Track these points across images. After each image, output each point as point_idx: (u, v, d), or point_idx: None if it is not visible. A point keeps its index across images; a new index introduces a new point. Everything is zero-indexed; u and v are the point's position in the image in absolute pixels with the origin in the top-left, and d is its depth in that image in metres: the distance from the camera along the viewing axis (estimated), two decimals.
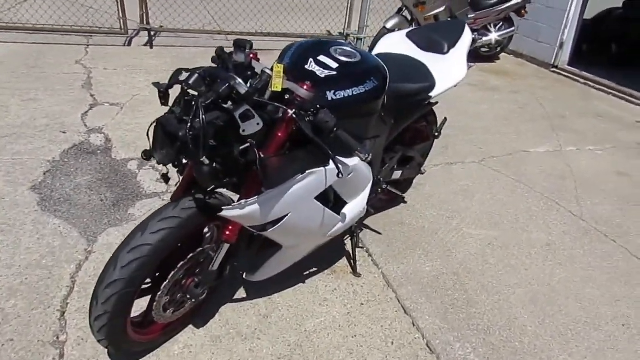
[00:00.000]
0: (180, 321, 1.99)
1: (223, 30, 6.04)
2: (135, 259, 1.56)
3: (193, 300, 1.87)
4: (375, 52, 2.62)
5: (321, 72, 1.83)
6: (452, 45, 2.57)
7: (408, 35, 2.66)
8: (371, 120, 1.99)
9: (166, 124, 1.48)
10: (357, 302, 2.32)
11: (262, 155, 1.52)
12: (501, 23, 6.11)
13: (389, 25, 5.64)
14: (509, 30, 6.12)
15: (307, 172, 1.69)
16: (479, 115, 4.75)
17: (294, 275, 2.39)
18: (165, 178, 1.67)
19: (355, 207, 2.14)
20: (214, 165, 1.53)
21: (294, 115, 1.61)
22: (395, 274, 2.52)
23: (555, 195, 3.42)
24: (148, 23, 5.66)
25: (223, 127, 1.52)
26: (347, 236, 2.66)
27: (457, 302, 2.38)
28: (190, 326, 2.07)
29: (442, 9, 5.68)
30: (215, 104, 1.54)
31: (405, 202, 3.16)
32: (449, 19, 3.26)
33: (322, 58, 1.88)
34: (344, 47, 1.99)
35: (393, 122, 2.32)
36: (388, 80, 2.02)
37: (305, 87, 1.65)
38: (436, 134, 2.72)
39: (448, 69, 2.50)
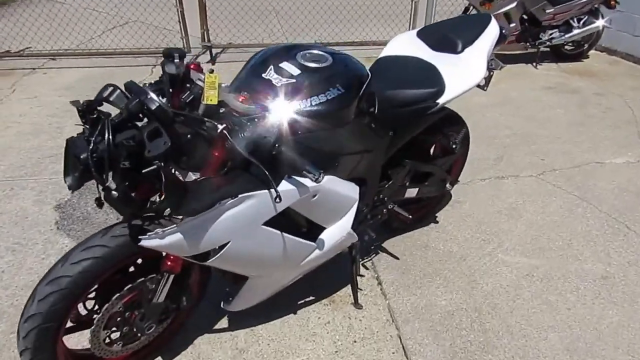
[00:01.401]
0: (147, 351, 1.85)
1: (282, 43, 5.99)
2: (52, 291, 1.45)
3: (147, 334, 1.72)
4: (382, 54, 2.34)
5: (278, 81, 1.62)
6: (469, 43, 2.21)
7: (419, 33, 2.35)
8: (342, 132, 1.72)
9: (72, 146, 1.35)
10: (350, 339, 2.04)
11: (169, 179, 1.34)
12: (586, 17, 5.41)
13: None
14: (593, 25, 5.39)
15: (239, 196, 1.47)
16: (548, 121, 4.19)
17: (286, 304, 2.18)
18: (99, 202, 1.55)
19: (335, 232, 1.88)
20: (126, 189, 1.37)
21: (224, 131, 1.41)
22: (404, 307, 2.20)
23: (625, 217, 2.85)
24: (209, 40, 5.77)
25: (136, 148, 1.36)
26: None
27: (470, 346, 2.01)
28: (159, 358, 1.93)
29: (512, 5, 5.15)
30: (129, 122, 1.38)
31: (436, 222, 2.80)
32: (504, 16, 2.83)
33: (284, 65, 1.67)
34: (316, 52, 1.76)
35: (392, 133, 2.03)
36: (363, 87, 1.75)
37: (241, 98, 1.44)
38: (454, 146, 2.36)
39: (461, 70, 2.16)
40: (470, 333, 2.07)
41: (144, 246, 1.44)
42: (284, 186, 1.58)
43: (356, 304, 2.20)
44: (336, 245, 1.90)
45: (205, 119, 1.43)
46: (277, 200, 1.43)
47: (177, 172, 1.50)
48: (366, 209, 2.13)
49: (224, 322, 2.10)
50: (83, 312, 1.64)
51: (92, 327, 1.58)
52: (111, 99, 1.42)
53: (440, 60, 2.19)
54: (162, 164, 1.32)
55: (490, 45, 2.23)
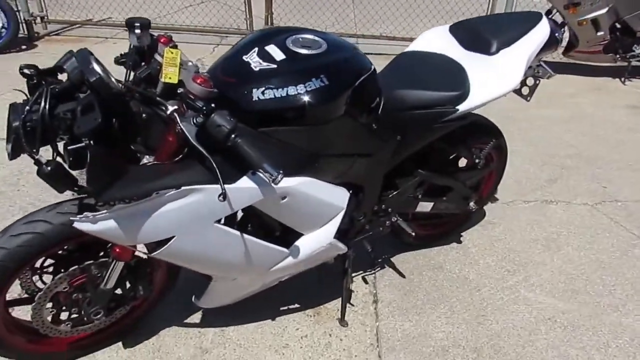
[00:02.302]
0: (104, 335, 1.77)
1: (344, 32, 5.78)
2: None
3: (95, 319, 1.63)
4: (408, 49, 2.09)
5: (257, 65, 1.44)
6: (506, 43, 1.90)
7: (451, 28, 2.07)
8: (325, 130, 1.51)
9: (11, 112, 1.25)
10: (324, 357, 1.84)
11: (95, 159, 1.20)
12: None
13: None
14: None
15: (182, 188, 1.31)
16: (623, 144, 3.69)
17: (266, 308, 2.02)
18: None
19: (314, 241, 1.68)
20: (59, 165, 1.26)
21: (175, 114, 1.25)
22: (394, 332, 1.96)
23: None
24: (272, 24, 5.68)
25: (73, 121, 1.24)
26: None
27: None
28: (119, 344, 1.84)
29: (602, 11, 4.60)
30: (75, 92, 1.27)
31: (459, 242, 2.51)
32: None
33: (269, 48, 1.49)
34: (310, 37, 1.56)
35: (399, 138, 1.79)
36: (358, 82, 1.52)
37: (199, 80, 1.28)
38: (476, 160, 2.06)
39: (492, 74, 1.86)
40: None
41: (77, 228, 1.32)
42: (243, 183, 1.40)
43: (342, 320, 1.99)
44: (314, 255, 1.71)
45: (157, 99, 1.28)
46: (221, 198, 1.25)
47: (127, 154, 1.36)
48: (364, 218, 1.91)
49: (196, 318, 1.98)
50: (41, 285, 1.57)
51: (33, 303, 1.50)
52: (65, 66, 1.31)
53: (469, 60, 1.91)
54: (91, 141, 1.18)
55: (534, 48, 1.91)
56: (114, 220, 1.31)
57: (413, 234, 2.00)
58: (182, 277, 1.82)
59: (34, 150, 1.23)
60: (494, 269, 2.34)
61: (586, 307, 2.13)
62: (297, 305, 2.07)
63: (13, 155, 1.26)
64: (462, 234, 2.57)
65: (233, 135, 1.27)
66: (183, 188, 1.31)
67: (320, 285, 1.99)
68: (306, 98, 1.42)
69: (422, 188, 2.06)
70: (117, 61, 1.48)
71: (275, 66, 1.44)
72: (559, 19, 4.89)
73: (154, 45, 1.43)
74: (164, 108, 1.26)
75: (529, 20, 1.99)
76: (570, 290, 2.22)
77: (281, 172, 1.27)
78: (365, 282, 2.23)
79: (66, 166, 1.29)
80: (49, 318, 1.59)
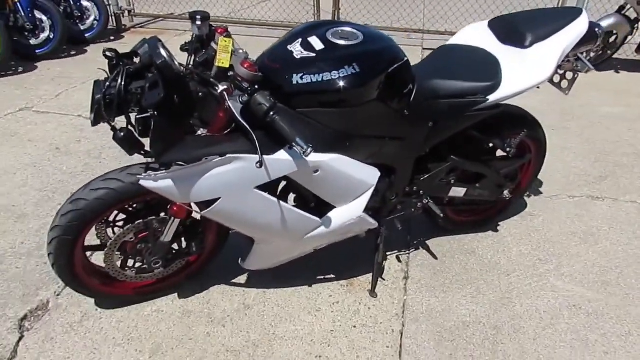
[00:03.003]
0: (162, 285, 2.06)
1: (411, 28, 5.86)
2: (71, 210, 1.68)
3: (155, 268, 1.92)
4: (449, 42, 2.22)
5: (299, 54, 1.66)
6: (541, 37, 1.99)
7: (490, 23, 2.17)
8: (355, 113, 1.69)
9: (94, 87, 1.54)
10: (351, 322, 2.03)
11: (158, 127, 1.46)
12: None
13: (604, 24, 4.65)
14: None
15: (227, 156, 1.55)
16: None
17: (305, 276, 2.23)
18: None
19: (344, 213, 1.87)
20: (130, 132, 1.53)
21: (224, 93, 1.49)
22: (419, 306, 2.12)
23: None
24: (339, 19, 5.87)
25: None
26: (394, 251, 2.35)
27: None
28: (175, 294, 2.13)
29: None
30: (147, 72, 1.54)
31: (496, 231, 2.61)
32: None
33: (312, 39, 1.70)
34: (349, 29, 1.74)
35: (432, 124, 1.94)
36: (389, 70, 1.69)
37: (246, 65, 1.51)
38: (508, 149, 2.15)
39: (524, 67, 1.96)
40: (478, 349, 1.92)
41: (142, 185, 1.59)
42: (280, 155, 1.62)
43: (372, 291, 2.17)
44: (345, 227, 1.90)
45: (211, 80, 1.52)
46: (258, 166, 1.48)
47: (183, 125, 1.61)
48: (395, 198, 2.07)
49: (242, 279, 2.23)
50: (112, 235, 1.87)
51: (105, 249, 1.81)
52: (139, 51, 1.58)
53: (505, 54, 2.02)
54: (155, 112, 1.45)
55: (568, 42, 1.98)
56: (170, 179, 1.57)
57: (442, 215, 2.13)
58: (231, 243, 2.07)
59: (111, 119, 1.51)
60: (527, 257, 2.42)
61: (614, 298, 2.17)
62: (332, 276, 2.26)
63: (95, 122, 1.55)
64: (500, 223, 2.66)
65: (271, 113, 1.49)
66: (228, 155, 1.55)
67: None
68: (339, 83, 1.61)
69: (455, 174, 2.18)
70: (182, 48, 1.74)
71: (314, 55, 1.65)
72: (632, 14, 4.74)
73: (212, 35, 1.67)
74: (215, 88, 1.50)
75: (568, 15, 2.06)
76: (600, 282, 2.27)
77: (311, 146, 1.47)
78: (399, 260, 2.38)
79: (136, 134, 1.57)
80: (118, 264, 1.89)
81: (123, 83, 1.49)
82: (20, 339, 1.90)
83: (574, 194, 2.95)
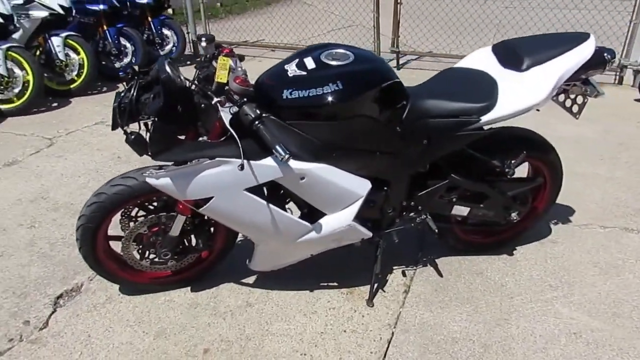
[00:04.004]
0: (174, 279, 2.29)
1: (458, 55, 5.85)
2: (94, 202, 1.96)
3: (171, 258, 2.15)
4: (455, 66, 2.31)
5: (292, 72, 1.85)
6: (540, 61, 2.02)
7: (494, 47, 2.23)
8: (341, 127, 1.83)
9: (115, 97, 1.82)
10: (342, 327, 2.13)
11: (156, 131, 1.70)
12: None
13: None
14: None
15: (217, 159, 1.75)
16: None
17: (309, 281, 2.37)
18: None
19: (334, 220, 2.00)
20: (140, 135, 1.79)
21: (218, 105, 1.71)
22: (412, 319, 2.17)
23: None
24: (397, 47, 6.02)
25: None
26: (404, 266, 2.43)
27: None
28: (187, 288, 2.34)
29: None
30: (152, 85, 1.79)
31: (510, 255, 2.59)
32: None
33: (306, 59, 1.89)
34: (342, 51, 1.91)
35: (426, 142, 2.03)
36: (374, 88, 1.83)
37: (237, 80, 1.72)
38: (507, 170, 2.17)
39: (519, 89, 2.00)
40: None
41: (149, 183, 1.84)
42: (267, 162, 1.80)
43: (369, 301, 2.26)
44: (335, 234, 2.02)
45: (209, 93, 1.75)
46: (240, 168, 1.67)
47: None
48: (393, 212, 2.17)
49: (249, 279, 2.40)
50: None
51: (122, 239, 2.07)
52: (156, 65, 1.85)
53: (503, 76, 2.08)
54: (155, 118, 1.69)
55: (569, 66, 2.00)
56: (169, 178, 1.80)
57: (436, 231, 2.19)
58: (244, 246, 2.26)
59: (124, 125, 1.77)
60: (536, 282, 2.39)
61: (621, 330, 2.09)
62: (335, 283, 2.38)
63: (113, 127, 1.82)
64: (516, 247, 2.63)
65: (256, 122, 1.68)
66: (217, 158, 1.75)
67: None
68: (322, 99, 1.77)
69: (457, 192, 2.24)
70: (195, 66, 1.98)
71: (305, 73, 1.82)
72: None
73: (218, 54, 1.90)
74: (211, 100, 1.72)
75: (574, 40, 2.08)
76: (611, 313, 2.19)
77: (289, 153, 1.64)
78: (404, 275, 2.45)
79: (146, 137, 1.82)
80: (135, 253, 2.14)
81: (135, 94, 1.75)
82: (52, 312, 2.20)
83: (605, 225, 2.85)
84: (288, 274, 2.33)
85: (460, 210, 2.29)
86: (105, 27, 5.58)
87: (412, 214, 2.23)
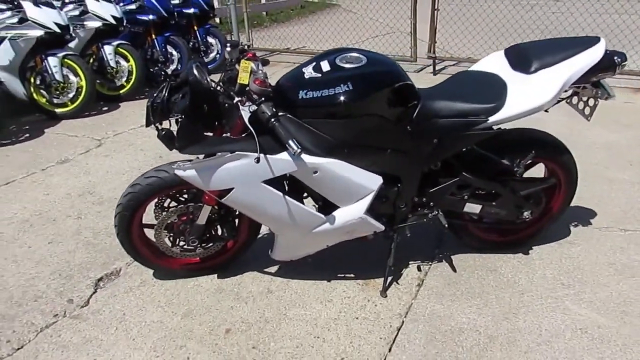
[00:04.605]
0: (202, 266, 2.49)
1: None
2: (130, 192, 2.18)
3: (198, 247, 2.34)
4: (470, 68, 2.41)
5: (309, 75, 2.01)
6: (546, 64, 2.10)
7: (506, 51, 2.32)
8: (351, 125, 1.98)
9: (149, 96, 2.03)
10: (355, 314, 2.26)
11: (183, 127, 1.89)
12: None
13: None
14: None
15: (236, 152, 1.93)
16: None
17: (328, 271, 2.51)
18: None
19: (347, 213, 2.14)
20: (170, 132, 1.99)
21: (239, 104, 1.90)
22: (423, 310, 2.28)
23: None
24: (434, 52, 6.10)
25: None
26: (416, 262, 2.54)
27: None
28: (215, 275, 2.53)
29: None
30: (182, 86, 2.00)
31: (526, 254, 2.65)
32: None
33: (323, 63, 2.04)
34: (355, 55, 2.05)
35: (436, 141, 2.14)
36: (383, 90, 1.96)
37: (256, 82, 1.90)
38: (515, 169, 2.24)
39: (526, 91, 2.09)
40: (464, 352, 2.04)
41: (177, 175, 2.04)
42: (282, 156, 1.96)
43: (383, 292, 2.37)
44: (348, 226, 2.16)
45: (231, 93, 1.94)
46: (256, 161, 1.84)
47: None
48: (405, 207, 2.28)
49: (272, 269, 2.57)
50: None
51: (155, 225, 2.28)
52: (189, 68, 2.05)
53: (513, 79, 2.16)
54: (182, 116, 1.89)
55: (577, 69, 2.07)
56: (194, 170, 1.99)
57: (446, 226, 2.28)
58: (267, 238, 2.43)
59: (156, 122, 1.97)
60: (548, 280, 2.44)
61: (628, 327, 2.13)
62: (351, 275, 2.51)
63: (146, 124, 2.03)
64: (533, 247, 2.69)
65: (272, 120, 1.85)
66: (236, 152, 1.93)
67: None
68: (334, 98, 1.92)
69: (469, 190, 2.33)
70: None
71: (319, 75, 1.98)
72: None
73: (241, 59, 2.08)
74: (233, 99, 1.90)
75: (584, 44, 2.15)
76: (620, 311, 2.22)
77: (300, 148, 1.80)
78: (419, 269, 2.55)
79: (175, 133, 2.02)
80: (166, 241, 2.35)
81: (166, 94, 1.96)
82: (93, 293, 2.44)
83: (627, 228, 2.85)
84: (308, 265, 2.49)
85: (474, 209, 2.38)
86: (153, 36, 5.94)
87: (424, 210, 2.33)
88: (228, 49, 2.05)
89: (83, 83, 5.04)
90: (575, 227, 2.86)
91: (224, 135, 2.05)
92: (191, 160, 2.11)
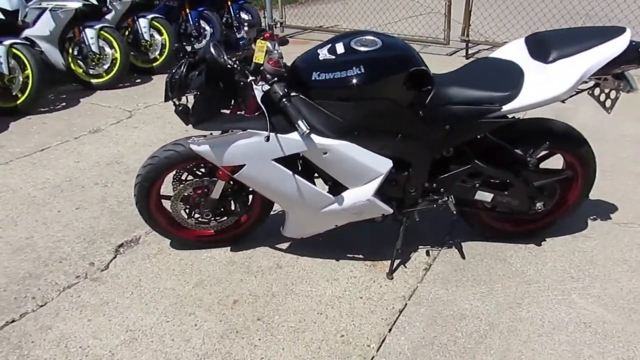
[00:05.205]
0: (218, 237, 2.58)
1: None
2: (149, 164, 2.28)
3: (212, 220, 2.43)
4: (490, 55, 2.39)
5: (323, 56, 2.04)
6: (566, 54, 2.06)
7: (527, 38, 2.28)
8: (362, 107, 2.00)
9: (168, 72, 2.10)
10: (359, 294, 2.32)
11: (198, 103, 1.95)
12: None
13: None
14: None
15: (248, 130, 1.98)
16: None
17: (338, 252, 2.56)
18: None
19: (355, 194, 2.18)
20: (187, 107, 2.05)
21: (251, 83, 1.95)
22: (427, 293, 2.31)
23: None
24: (467, 35, 5.97)
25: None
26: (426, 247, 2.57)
27: (451, 346, 2.04)
28: (228, 248, 2.62)
29: None
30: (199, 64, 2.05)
31: (538, 245, 2.63)
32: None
33: (337, 45, 2.06)
34: (371, 38, 2.06)
35: (448, 128, 2.15)
36: (395, 74, 1.97)
37: (270, 62, 1.94)
38: (528, 159, 2.22)
39: (542, 81, 2.06)
40: (463, 337, 2.07)
41: (193, 149, 2.11)
42: (293, 135, 2.00)
43: (389, 274, 2.41)
44: (356, 207, 2.20)
45: (246, 72, 1.98)
46: (266, 139, 1.89)
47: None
48: (415, 192, 2.30)
49: (284, 245, 2.64)
50: None
51: (172, 197, 2.37)
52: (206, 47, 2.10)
53: (530, 68, 2.13)
54: (198, 92, 1.95)
55: (598, 60, 2.02)
56: (208, 145, 2.06)
57: (455, 212, 2.29)
58: (280, 215, 2.49)
59: (174, 97, 2.04)
60: (558, 272, 2.43)
61: (634, 325, 2.11)
62: (360, 256, 2.56)
63: (165, 99, 2.10)
64: (546, 239, 2.67)
65: (284, 100, 1.89)
66: (248, 130, 1.99)
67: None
68: (345, 81, 1.94)
69: (481, 178, 2.32)
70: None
71: (333, 57, 2.00)
72: None
73: (259, 38, 2.12)
74: (247, 78, 1.95)
75: (608, 34, 2.09)
76: (628, 308, 2.20)
77: (309, 129, 1.84)
78: (428, 254, 2.57)
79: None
80: (182, 212, 2.44)
81: (184, 71, 2.02)
82: (113, 258, 2.56)
83: None
84: (318, 243, 2.55)
85: (486, 197, 2.37)
86: (188, 10, 6.01)
87: (434, 195, 2.35)
88: (245, 28, 2.10)
89: (118, 55, 5.17)
90: (593, 221, 2.82)
91: (239, 113, 2.11)
92: (206, 135, 2.17)
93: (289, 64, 2.05)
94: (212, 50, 1.96)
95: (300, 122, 1.84)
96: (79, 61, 5.14)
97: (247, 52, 2.08)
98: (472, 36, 6.03)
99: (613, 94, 2.21)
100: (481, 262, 2.51)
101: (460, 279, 2.40)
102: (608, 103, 2.23)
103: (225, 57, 2.02)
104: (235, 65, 2.02)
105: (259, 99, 1.93)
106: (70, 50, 5.10)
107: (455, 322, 2.15)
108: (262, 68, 1.97)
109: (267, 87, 1.95)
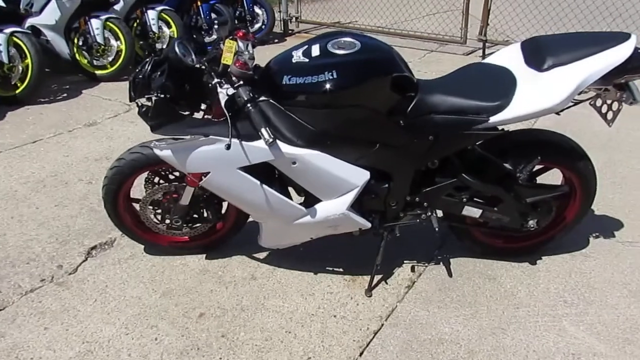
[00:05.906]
0: (192, 244, 2.47)
1: None
2: (116, 166, 2.17)
3: (184, 226, 2.32)
4: (485, 60, 2.21)
5: (296, 59, 1.89)
6: (562, 62, 1.87)
7: (523, 44, 2.09)
8: (335, 115, 1.85)
9: (133, 71, 1.98)
10: (333, 312, 2.18)
11: (157, 104, 1.83)
12: None
13: None
14: None
15: (210, 136, 1.85)
16: None
17: (317, 265, 2.43)
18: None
19: (329, 207, 2.04)
20: (147, 107, 1.93)
21: (216, 85, 1.82)
22: (405, 314, 2.16)
23: None
24: (485, 35, 5.73)
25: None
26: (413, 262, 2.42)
27: None
28: (202, 255, 2.51)
29: None
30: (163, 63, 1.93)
31: (533, 264, 2.45)
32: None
33: (314, 47, 1.92)
34: (349, 40, 1.91)
35: (432, 138, 1.98)
36: (371, 79, 1.82)
37: (237, 64, 1.80)
38: (518, 175, 2.04)
39: (534, 91, 1.88)
40: None
41: (156, 154, 1.99)
42: (259, 143, 1.86)
43: (368, 290, 2.27)
44: (330, 220, 2.05)
45: (211, 73, 1.85)
46: (226, 147, 1.76)
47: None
48: (396, 205, 2.15)
49: (260, 255, 2.51)
50: None
51: (140, 202, 2.27)
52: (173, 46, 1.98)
53: (523, 76, 1.95)
54: (157, 93, 1.83)
55: (597, 69, 1.83)
56: (170, 150, 1.94)
57: (437, 229, 2.13)
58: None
59: (137, 97, 1.93)
60: (551, 295, 2.25)
61: (628, 358, 1.93)
62: (340, 269, 2.42)
63: (129, 100, 1.99)
64: (541, 257, 2.48)
65: (248, 105, 1.76)
66: (210, 136, 1.86)
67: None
68: (316, 86, 1.79)
69: (468, 192, 2.16)
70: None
71: (307, 60, 1.86)
72: None
73: (228, 37, 1.98)
74: (212, 80, 1.82)
75: (610, 40, 1.89)
76: (623, 339, 2.02)
77: (273, 138, 1.70)
78: (413, 270, 2.41)
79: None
80: (152, 217, 2.33)
81: (148, 70, 1.90)
82: (83, 261, 2.48)
83: None
84: (298, 254, 2.41)
85: (474, 213, 2.20)
86: (199, 3, 5.90)
87: (417, 209, 2.19)
88: (216, 26, 1.97)
89: (123, 47, 5.08)
90: (595, 239, 2.62)
91: (206, 117, 1.98)
92: (171, 139, 2.05)
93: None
94: (177, 48, 1.84)
95: (263, 130, 1.71)
96: (83, 52, 5.09)
97: (216, 52, 1.95)
98: (490, 36, 5.78)
99: (615, 106, 2.02)
100: (469, 281, 2.35)
101: (444, 299, 2.24)
102: (610, 115, 2.04)
103: (193, 57, 1.89)
104: (203, 66, 1.89)
105: (222, 104, 1.80)
106: (76, 40, 5.05)
107: (432, 348, 1.99)
108: (229, 70, 1.84)
109: (232, 90, 1.82)
